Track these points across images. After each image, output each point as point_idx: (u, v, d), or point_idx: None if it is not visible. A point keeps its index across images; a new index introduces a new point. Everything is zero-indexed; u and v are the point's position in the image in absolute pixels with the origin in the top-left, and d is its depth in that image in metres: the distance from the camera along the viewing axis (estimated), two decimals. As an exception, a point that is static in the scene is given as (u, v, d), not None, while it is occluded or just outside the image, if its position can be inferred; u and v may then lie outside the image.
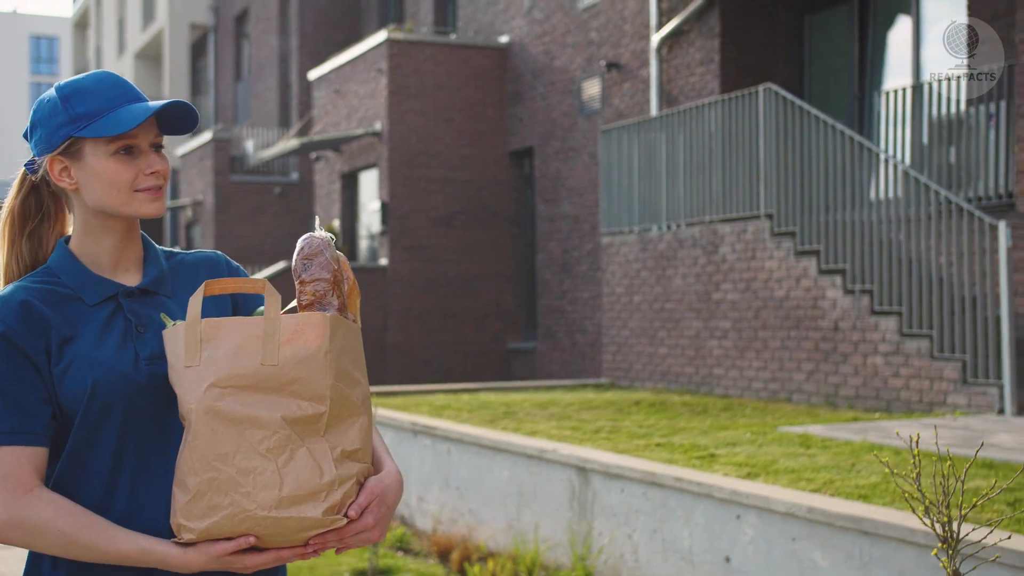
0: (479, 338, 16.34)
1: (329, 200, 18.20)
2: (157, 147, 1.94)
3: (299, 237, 1.90)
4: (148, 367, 1.89)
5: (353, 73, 17.14)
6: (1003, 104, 9.45)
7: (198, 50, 30.05)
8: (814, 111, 9.54)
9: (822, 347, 9.18)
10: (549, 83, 15.36)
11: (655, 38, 12.87)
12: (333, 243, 1.89)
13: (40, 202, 2.00)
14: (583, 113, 14.63)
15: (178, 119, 1.94)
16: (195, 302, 1.82)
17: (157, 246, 2.07)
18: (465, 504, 7.57)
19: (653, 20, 12.95)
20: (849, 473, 5.65)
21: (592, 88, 14.42)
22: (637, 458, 6.40)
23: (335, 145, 17.50)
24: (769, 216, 9.80)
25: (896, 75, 11.29)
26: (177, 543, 1.78)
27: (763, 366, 9.78)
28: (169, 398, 1.86)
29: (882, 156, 9.23)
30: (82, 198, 1.93)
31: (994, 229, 8.07)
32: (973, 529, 2.32)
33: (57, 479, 1.87)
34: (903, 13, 11.26)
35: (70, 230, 2.02)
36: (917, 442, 2.19)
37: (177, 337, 1.82)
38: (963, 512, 2.14)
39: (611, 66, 13.93)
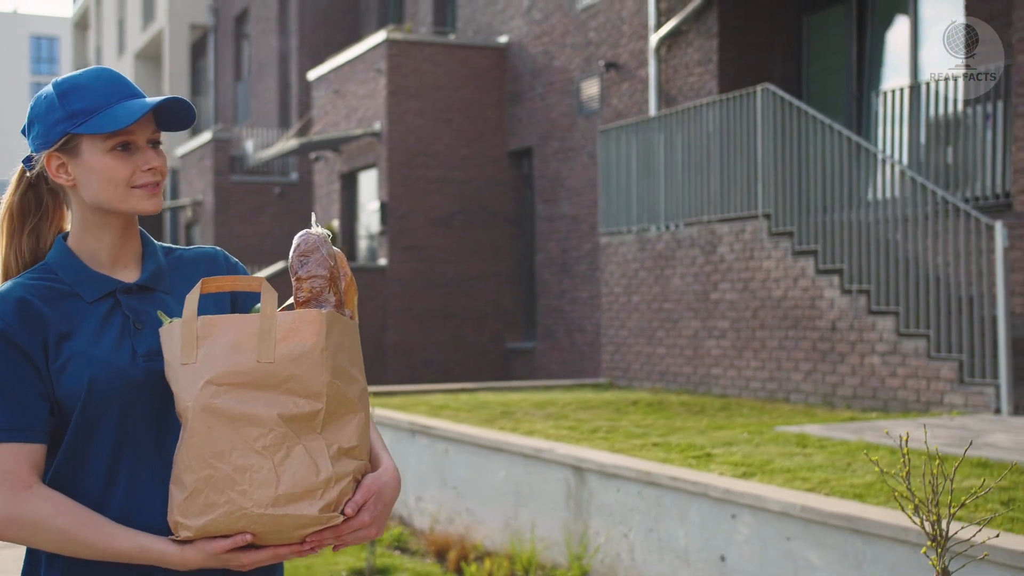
0: (478, 338, 16.36)
1: (328, 200, 18.21)
2: (154, 143, 1.93)
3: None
4: (146, 363, 1.89)
5: (352, 73, 17.16)
6: (1000, 104, 9.48)
7: (198, 50, 30.06)
8: (812, 111, 9.56)
9: (820, 347, 9.20)
10: (548, 83, 15.38)
11: (653, 38, 12.89)
12: (329, 239, 1.88)
13: (39, 199, 2.00)
14: (582, 113, 14.65)
15: (175, 115, 1.94)
16: (191, 300, 1.82)
17: (156, 242, 2.07)
18: (462, 503, 7.59)
19: (652, 20, 12.97)
20: (844, 472, 5.68)
21: (591, 88, 14.44)
22: (633, 457, 6.42)
23: (334, 145, 17.52)
24: (767, 216, 9.82)
25: (894, 75, 11.31)
26: (174, 541, 1.78)
27: (761, 366, 9.80)
28: (167, 395, 1.86)
29: (880, 156, 9.25)
30: (80, 194, 1.92)
31: (991, 229, 8.09)
32: (962, 527, 2.34)
33: (55, 475, 1.86)
34: (901, 13, 11.28)
35: (68, 227, 2.02)
36: (907, 441, 2.21)
37: (173, 334, 1.82)
38: (952, 510, 2.16)
39: (610, 66, 13.95)
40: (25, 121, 1.96)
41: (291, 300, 1.87)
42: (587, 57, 14.50)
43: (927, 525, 2.17)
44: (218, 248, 2.13)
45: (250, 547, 1.79)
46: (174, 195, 25.05)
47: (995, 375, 7.92)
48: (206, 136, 22.31)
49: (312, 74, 18.97)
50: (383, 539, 7.54)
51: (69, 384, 1.85)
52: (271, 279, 14.48)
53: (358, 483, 1.82)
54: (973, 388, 7.97)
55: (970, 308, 8.16)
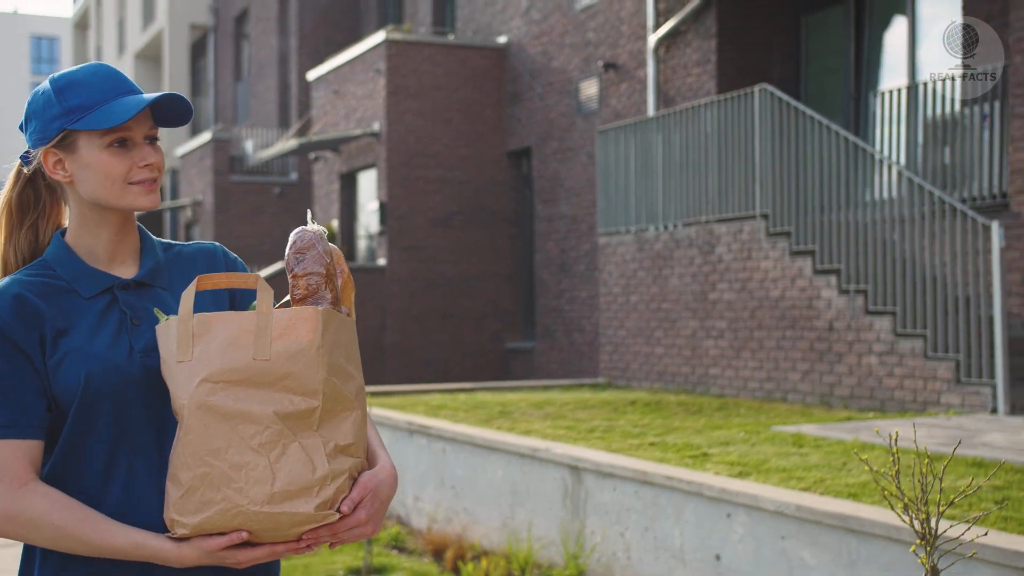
0: (477, 338, 16.38)
1: (328, 200, 18.23)
2: (151, 140, 1.93)
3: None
4: (142, 360, 1.89)
5: (352, 73, 17.17)
6: (997, 105, 9.50)
7: (198, 50, 30.07)
8: (810, 112, 9.58)
9: (817, 347, 9.22)
10: (547, 83, 15.40)
11: (652, 38, 12.91)
12: (325, 236, 1.87)
13: (37, 195, 2.00)
14: (580, 113, 14.67)
15: (172, 111, 1.94)
16: (187, 297, 1.82)
17: (155, 238, 2.06)
18: (460, 503, 7.61)
19: (650, 20, 12.99)
20: (840, 472, 5.69)
21: (589, 88, 14.46)
22: (629, 457, 6.43)
23: (334, 145, 17.53)
24: (765, 216, 9.83)
25: (892, 76, 11.33)
26: (171, 538, 1.78)
27: (759, 366, 9.82)
28: (163, 391, 1.85)
29: (877, 157, 9.27)
30: (77, 191, 1.92)
31: (987, 229, 8.11)
32: (951, 526, 2.36)
33: (52, 471, 1.86)
34: (899, 13, 11.30)
35: (66, 223, 2.02)
36: (896, 440, 2.22)
37: (169, 332, 1.82)
38: (941, 509, 2.17)
39: (608, 66, 13.97)
40: (23, 117, 1.96)
41: (288, 297, 1.87)
42: (586, 57, 14.52)
43: (916, 523, 2.18)
44: (217, 244, 2.12)
45: (246, 545, 1.78)
46: (174, 195, 25.07)
47: (992, 375, 7.94)
48: (206, 136, 22.34)
49: (312, 74, 18.99)
50: (380, 538, 7.56)
51: (66, 380, 1.85)
52: (271, 279, 14.50)
53: (355, 481, 1.82)
54: (970, 388, 7.99)
55: (967, 308, 8.17)
